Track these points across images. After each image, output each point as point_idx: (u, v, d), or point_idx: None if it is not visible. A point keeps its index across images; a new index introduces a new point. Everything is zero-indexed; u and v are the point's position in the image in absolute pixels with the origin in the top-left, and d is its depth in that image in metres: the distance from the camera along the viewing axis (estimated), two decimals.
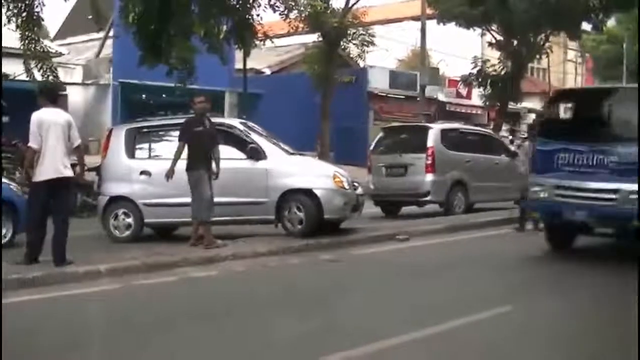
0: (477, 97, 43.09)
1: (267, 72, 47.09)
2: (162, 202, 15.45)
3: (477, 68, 36.87)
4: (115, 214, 15.71)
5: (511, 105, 39.69)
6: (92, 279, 11.51)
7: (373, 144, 23.37)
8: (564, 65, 69.70)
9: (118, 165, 16.15)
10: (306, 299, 10.61)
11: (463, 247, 16.05)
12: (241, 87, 32.21)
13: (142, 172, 15.77)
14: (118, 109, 40.77)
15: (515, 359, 7.91)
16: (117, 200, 15.74)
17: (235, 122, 16.73)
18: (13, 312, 9.10)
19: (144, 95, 42.69)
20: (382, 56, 42.45)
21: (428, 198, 20.95)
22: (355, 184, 16.25)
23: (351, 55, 38.54)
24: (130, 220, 15.57)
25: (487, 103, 38.50)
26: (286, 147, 16.41)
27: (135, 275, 11.93)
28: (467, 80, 38.20)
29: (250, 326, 8.97)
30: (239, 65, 34.98)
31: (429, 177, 20.71)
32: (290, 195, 15.29)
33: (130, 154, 16.20)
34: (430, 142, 20.91)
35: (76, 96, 41.70)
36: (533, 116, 56.59)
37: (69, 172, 12.12)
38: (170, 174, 14.24)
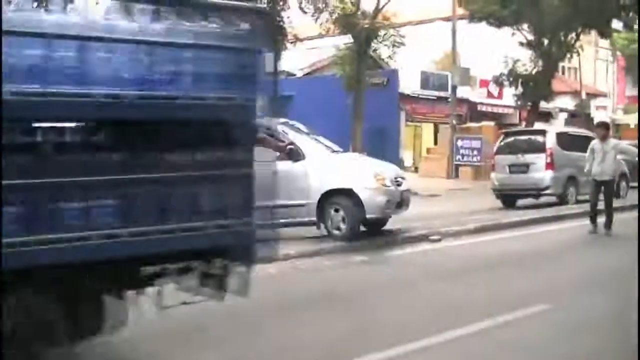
0: (508, 96, 42.93)
1: (299, 74, 47.12)
2: None
3: (509, 68, 36.80)
4: None
5: (543, 105, 39.57)
6: None
7: (496, 146, 26.71)
8: (595, 64, 69.27)
9: None
10: (337, 301, 10.63)
11: (501, 245, 16.10)
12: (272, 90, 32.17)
13: None
14: None
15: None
16: None
17: (274, 124, 16.38)
18: None
19: None
20: (414, 57, 42.22)
21: (548, 191, 24.24)
22: (399, 179, 16.05)
23: (382, 57, 38.57)
24: None
25: (519, 102, 38.41)
26: (330, 146, 16.67)
27: None
28: (498, 80, 38.11)
29: (283, 329, 9.02)
30: (269, 67, 35.02)
31: (549, 173, 24.08)
32: (331, 196, 15.22)
33: None
34: (548, 144, 24.48)
35: None
36: (564, 115, 56.61)
37: None
38: None
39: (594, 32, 39.89)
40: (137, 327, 7.34)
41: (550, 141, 24.59)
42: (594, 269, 13.16)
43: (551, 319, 9.37)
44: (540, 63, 36.06)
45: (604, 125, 19.31)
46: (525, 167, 24.36)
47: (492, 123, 37.29)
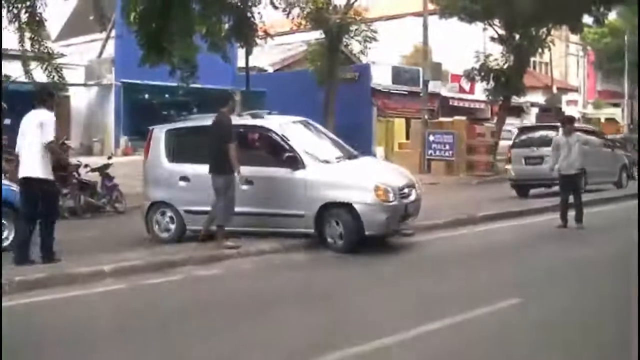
0: (480, 91, 43.00)
1: (270, 70, 47.03)
2: (203, 210, 14.62)
3: (480, 62, 36.85)
4: (157, 218, 15.44)
5: (514, 100, 39.67)
6: (97, 280, 11.48)
7: (512, 140, 28.65)
8: (566, 58, 69.60)
9: (158, 169, 15.76)
10: (311, 296, 10.61)
11: (472, 239, 16.08)
12: (244, 86, 32.12)
13: (181, 178, 15.30)
14: (121, 109, 40.85)
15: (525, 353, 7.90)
16: (159, 205, 15.47)
17: (275, 125, 15.31)
18: (18, 314, 9.09)
19: (146, 95, 42.74)
20: (385, 52, 42.21)
21: None
22: (406, 190, 14.63)
23: (353, 52, 38.54)
24: (172, 225, 15.31)
25: (490, 97, 38.46)
26: (347, 149, 15.88)
27: (140, 275, 11.91)
28: (470, 75, 38.13)
29: (256, 322, 8.97)
30: (241, 63, 34.95)
31: None
32: (330, 208, 14.17)
33: (171, 157, 15.69)
34: None
35: (79, 97, 41.77)
36: (536, 110, 56.82)
37: (40, 173, 12.16)
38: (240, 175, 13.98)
39: (564, 27, 39.99)
40: None
41: None
42: (560, 262, 13.15)
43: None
44: (511, 58, 36.11)
45: (570, 120, 19.42)
46: (540, 159, 25.25)
47: (463, 118, 37.18)
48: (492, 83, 36.71)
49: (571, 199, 17.59)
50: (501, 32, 36.88)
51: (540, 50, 39.58)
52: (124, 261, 12.39)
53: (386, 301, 10.24)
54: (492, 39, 37.87)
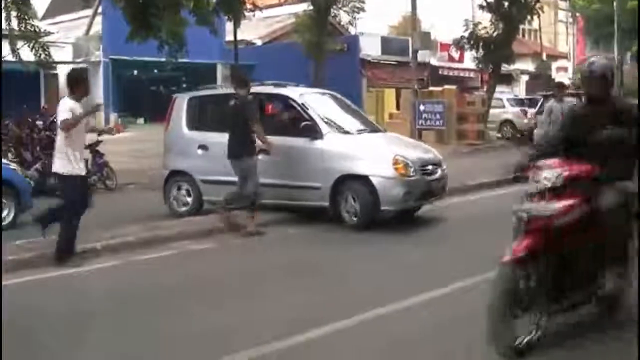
0: (469, 60, 42.93)
1: (259, 42, 46.89)
2: (220, 180, 14.38)
3: (469, 31, 36.72)
4: (176, 188, 15.37)
5: (504, 67, 39.59)
6: (90, 257, 11.46)
7: (537, 107, 31.16)
8: (555, 25, 69.50)
9: (178, 138, 15.63)
10: (303, 270, 10.60)
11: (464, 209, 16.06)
12: (233, 59, 32.01)
13: (200, 146, 15.12)
14: (110, 85, 40.76)
15: None
16: (177, 175, 15.37)
17: (295, 94, 14.89)
18: (13, 293, 9.06)
19: (135, 71, 42.68)
20: (374, 23, 42.16)
21: None
22: (430, 167, 14.08)
23: (342, 23, 38.41)
24: (189, 198, 15.25)
25: (480, 66, 38.34)
26: (368, 124, 15.69)
27: (133, 251, 11.93)
28: (459, 44, 37.98)
29: (246, 297, 9.00)
30: (229, 37, 34.82)
31: None
32: (346, 182, 13.63)
33: (191, 125, 15.54)
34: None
35: (68, 75, 41.56)
36: (526, 77, 56.77)
37: (58, 167, 11.21)
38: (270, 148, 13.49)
39: None
40: None
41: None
42: None
43: None
44: (500, 26, 35.97)
45: (561, 85, 19.40)
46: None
47: (453, 87, 37.08)
48: (481, 51, 36.55)
49: None
50: None
51: (529, 17, 39.38)
52: (117, 237, 12.38)
53: (374, 274, 10.27)
54: (481, 7, 37.65)
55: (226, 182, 13.95)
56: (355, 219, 13.49)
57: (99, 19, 40.41)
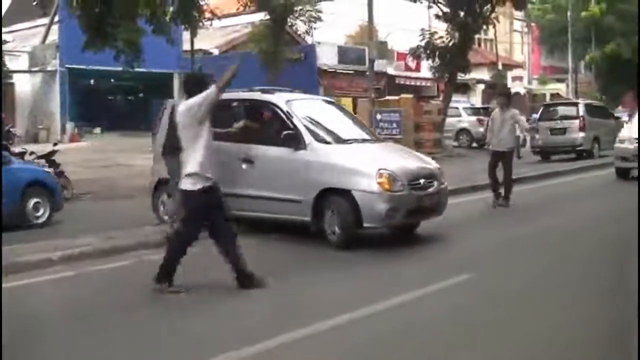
0: (426, 69, 43.17)
1: (216, 52, 46.80)
2: None
3: (425, 40, 36.91)
4: (163, 198, 14.74)
5: (460, 77, 39.84)
6: (45, 267, 11.37)
7: (539, 114, 34.98)
8: (511, 35, 70.04)
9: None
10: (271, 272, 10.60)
11: None
12: (189, 68, 31.97)
13: None
14: (66, 95, 40.52)
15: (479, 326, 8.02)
16: (163, 184, 14.46)
17: (281, 101, 13.94)
18: None
19: (92, 81, 42.46)
20: (330, 32, 42.25)
21: (581, 148, 31.86)
22: (422, 181, 13.01)
23: (298, 32, 38.49)
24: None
25: (436, 75, 38.56)
26: (360, 133, 14.63)
27: (90, 261, 11.83)
28: (415, 53, 38.15)
29: (207, 307, 8.98)
30: (186, 46, 34.79)
31: (582, 134, 31.98)
32: (329, 195, 12.72)
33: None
34: (581, 112, 32.57)
35: (23, 84, 41.31)
36: (482, 87, 57.18)
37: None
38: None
39: (508, 4, 40.12)
40: None
41: (582, 110, 32.64)
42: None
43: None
44: (456, 35, 36.19)
45: (505, 94, 18.90)
46: (563, 130, 31.93)
47: (410, 95, 37.27)
48: (437, 61, 36.75)
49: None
50: (446, 9, 36.96)
51: (484, 27, 39.73)
52: (73, 248, 12.30)
53: (336, 281, 10.33)
54: (437, 16, 37.86)
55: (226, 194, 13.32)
56: (335, 236, 12.60)
57: (55, 28, 40.18)
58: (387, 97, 38.07)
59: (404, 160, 13.65)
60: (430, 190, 13.10)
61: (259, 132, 13.34)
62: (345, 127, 14.76)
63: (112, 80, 42.62)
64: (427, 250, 12.51)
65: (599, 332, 7.65)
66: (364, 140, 14.36)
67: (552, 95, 65.82)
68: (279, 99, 14.11)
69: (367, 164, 12.82)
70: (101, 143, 36.10)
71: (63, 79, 40.34)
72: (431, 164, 13.93)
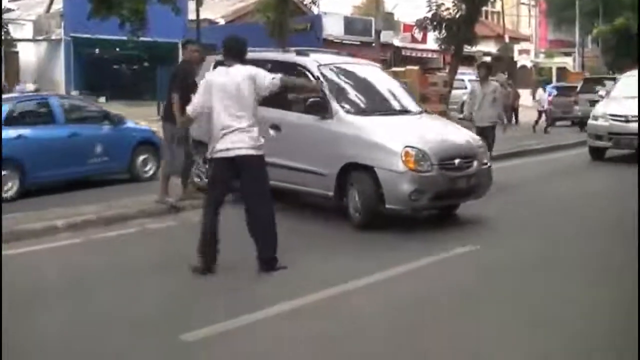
0: (432, 41, 43.01)
1: (222, 22, 46.68)
2: None
3: (432, 12, 36.74)
4: (197, 160, 14.02)
5: (466, 49, 39.70)
6: (50, 235, 11.37)
7: (579, 87, 35.49)
8: (518, 8, 69.79)
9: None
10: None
11: None
12: (195, 38, 31.85)
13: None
14: (71, 64, 40.43)
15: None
16: (199, 145, 13.26)
17: (313, 65, 12.80)
18: None
19: (97, 50, 42.34)
20: (337, 2, 42.13)
21: None
22: (457, 161, 11.69)
23: (305, 2, 38.35)
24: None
25: (443, 47, 38.41)
26: (399, 104, 13.33)
27: (94, 229, 11.80)
28: (422, 25, 37.98)
29: (206, 276, 8.93)
30: (192, 15, 34.65)
31: None
32: (353, 171, 11.67)
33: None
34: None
35: (28, 53, 41.25)
36: (488, 59, 56.99)
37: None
38: (179, 124, 11.98)
39: None
40: None
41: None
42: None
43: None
44: (463, 7, 36.02)
45: (485, 66, 18.43)
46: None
47: (416, 67, 37.17)
48: (444, 32, 36.61)
49: None
50: None
51: None
52: (77, 215, 12.28)
53: (336, 253, 10.34)
54: None
55: None
56: (358, 215, 11.63)
57: None
58: (393, 69, 37.94)
59: (439, 136, 12.26)
60: (468, 171, 11.79)
61: (288, 97, 12.46)
62: (383, 96, 13.55)
63: (117, 50, 42.41)
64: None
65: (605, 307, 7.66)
66: (401, 112, 13.08)
67: (558, 69, 65.68)
68: (312, 62, 12.95)
69: (394, 140, 11.57)
70: None
71: (68, 48, 40.24)
72: (473, 142, 12.50)
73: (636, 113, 19.88)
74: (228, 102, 9.01)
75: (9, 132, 14.71)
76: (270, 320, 7.38)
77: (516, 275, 8.92)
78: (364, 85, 13.43)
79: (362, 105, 12.77)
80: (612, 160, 20.97)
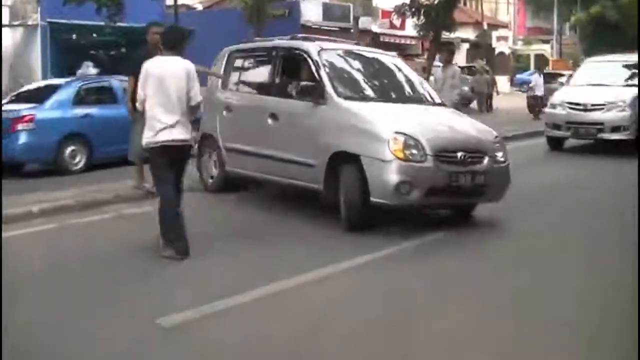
0: (411, 27, 43.03)
1: (199, 7, 46.55)
2: (241, 149, 12.53)
3: None
4: (207, 154, 13.48)
5: (445, 35, 39.74)
6: (25, 220, 11.31)
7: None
8: None
9: (212, 96, 13.29)
10: (240, 233, 10.65)
11: None
12: (172, 24, 31.74)
13: (225, 108, 13.05)
14: (48, 50, 40.13)
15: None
16: (206, 139, 13.30)
17: (313, 49, 11.93)
18: None
19: (74, 35, 42.01)
20: None
21: None
22: (460, 154, 10.34)
23: None
24: (215, 170, 13.35)
25: (421, 33, 38.45)
26: (406, 92, 12.44)
27: (69, 214, 11.76)
28: (400, 11, 38.01)
29: (183, 262, 8.90)
30: (169, 1, 34.52)
31: None
32: (340, 161, 10.52)
33: (224, 83, 13.44)
34: None
35: (4, 38, 40.92)
36: (466, 46, 57.12)
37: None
38: (130, 113, 12.19)
39: None
40: None
41: None
42: None
43: None
44: None
45: (448, 50, 18.10)
46: None
47: (394, 54, 37.22)
48: (422, 19, 36.65)
49: None
50: None
51: None
52: (53, 201, 12.23)
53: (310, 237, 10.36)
54: None
55: (249, 152, 12.35)
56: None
57: None
58: None
59: (441, 126, 11.04)
60: (474, 167, 10.39)
61: (286, 84, 11.90)
62: (394, 85, 12.57)
63: (94, 35, 42.12)
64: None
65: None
66: (410, 101, 12.07)
67: (536, 56, 65.86)
68: (313, 46, 12.10)
69: (383, 126, 10.40)
70: None
71: (44, 34, 39.93)
72: (487, 137, 11.12)
73: (596, 101, 19.49)
74: (161, 95, 9.04)
75: (77, 111, 17.21)
76: (249, 304, 7.35)
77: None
78: (373, 74, 12.60)
79: (364, 92, 11.83)
80: (572, 150, 20.64)
